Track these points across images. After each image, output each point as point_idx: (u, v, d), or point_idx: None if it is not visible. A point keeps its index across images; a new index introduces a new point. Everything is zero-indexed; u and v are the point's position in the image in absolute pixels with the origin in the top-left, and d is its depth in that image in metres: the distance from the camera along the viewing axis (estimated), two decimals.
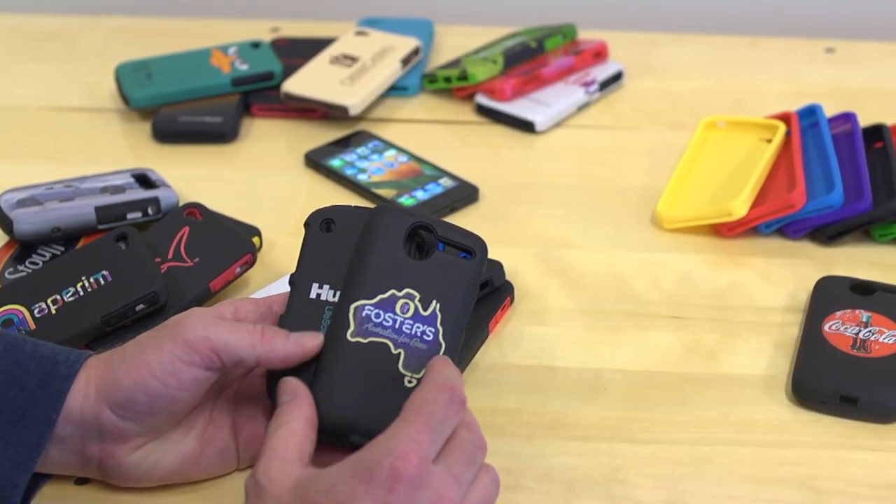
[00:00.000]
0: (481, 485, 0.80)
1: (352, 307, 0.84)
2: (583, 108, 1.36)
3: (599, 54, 1.40)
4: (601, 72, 1.39)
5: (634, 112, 1.36)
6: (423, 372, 0.83)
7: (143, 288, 1.00)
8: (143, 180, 1.16)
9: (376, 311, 0.84)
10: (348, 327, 0.83)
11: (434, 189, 1.20)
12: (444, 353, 0.84)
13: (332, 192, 1.22)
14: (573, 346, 1.02)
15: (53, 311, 0.99)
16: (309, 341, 0.84)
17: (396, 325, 0.84)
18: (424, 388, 0.80)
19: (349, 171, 1.23)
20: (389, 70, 1.35)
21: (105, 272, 1.01)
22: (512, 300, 1.06)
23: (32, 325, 0.98)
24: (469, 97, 1.36)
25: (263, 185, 1.24)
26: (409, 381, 0.83)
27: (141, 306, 0.99)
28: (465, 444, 0.79)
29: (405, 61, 1.37)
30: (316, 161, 1.25)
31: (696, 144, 1.25)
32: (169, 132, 1.30)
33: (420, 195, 1.19)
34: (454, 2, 1.62)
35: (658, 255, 1.13)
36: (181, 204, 1.11)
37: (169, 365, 0.81)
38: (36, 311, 0.99)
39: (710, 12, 1.62)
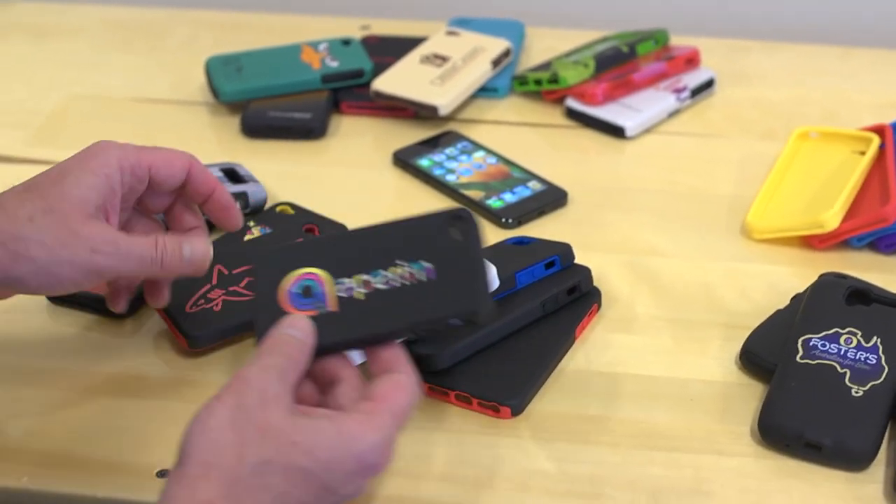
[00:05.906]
0: None
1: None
2: (673, 114, 1.35)
3: (691, 61, 1.39)
4: (693, 78, 1.37)
5: (725, 120, 1.35)
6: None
7: (467, 303, 0.81)
8: (232, 175, 1.17)
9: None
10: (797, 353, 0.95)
11: (522, 192, 1.20)
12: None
13: (420, 191, 1.22)
14: (660, 355, 1.01)
15: (363, 297, 0.82)
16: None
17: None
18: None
19: (437, 172, 1.23)
20: (480, 71, 1.35)
21: (428, 265, 0.83)
22: (599, 306, 1.05)
23: (334, 306, 0.82)
24: (559, 100, 1.36)
25: (351, 183, 1.24)
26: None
27: (455, 321, 0.82)
28: None
29: (496, 62, 1.37)
30: (404, 160, 1.25)
31: (789, 154, 1.24)
32: (258, 127, 1.30)
33: (508, 198, 1.19)
34: (545, 4, 1.62)
35: (747, 265, 1.12)
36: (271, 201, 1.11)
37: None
38: (342, 290, 0.83)
39: (800, 21, 1.60)
